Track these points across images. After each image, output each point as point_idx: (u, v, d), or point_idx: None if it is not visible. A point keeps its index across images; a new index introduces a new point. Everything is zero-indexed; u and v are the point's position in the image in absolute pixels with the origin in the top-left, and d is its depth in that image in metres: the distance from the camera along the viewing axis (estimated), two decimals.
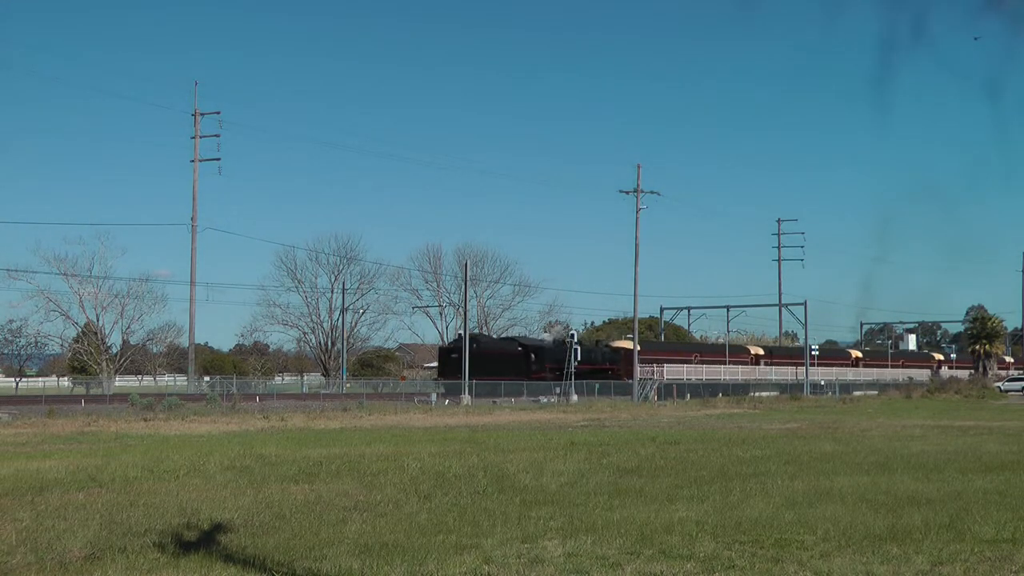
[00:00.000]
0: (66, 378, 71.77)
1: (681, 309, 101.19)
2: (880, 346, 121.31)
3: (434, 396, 51.70)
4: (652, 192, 62.78)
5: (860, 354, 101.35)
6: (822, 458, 20.19)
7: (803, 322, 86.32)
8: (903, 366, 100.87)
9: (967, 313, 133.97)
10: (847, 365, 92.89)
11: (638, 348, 64.79)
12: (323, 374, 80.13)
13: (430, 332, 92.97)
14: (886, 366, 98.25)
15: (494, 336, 75.56)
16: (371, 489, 14.70)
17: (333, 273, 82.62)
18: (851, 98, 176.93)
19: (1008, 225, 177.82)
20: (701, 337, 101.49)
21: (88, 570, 8.87)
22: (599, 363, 69.12)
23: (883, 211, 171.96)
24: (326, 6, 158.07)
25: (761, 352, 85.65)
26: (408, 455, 20.19)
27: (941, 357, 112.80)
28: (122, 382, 68.74)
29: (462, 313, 65.88)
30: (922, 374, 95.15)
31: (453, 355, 61.53)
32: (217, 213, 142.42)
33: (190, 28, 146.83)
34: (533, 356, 65.50)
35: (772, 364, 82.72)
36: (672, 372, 70.48)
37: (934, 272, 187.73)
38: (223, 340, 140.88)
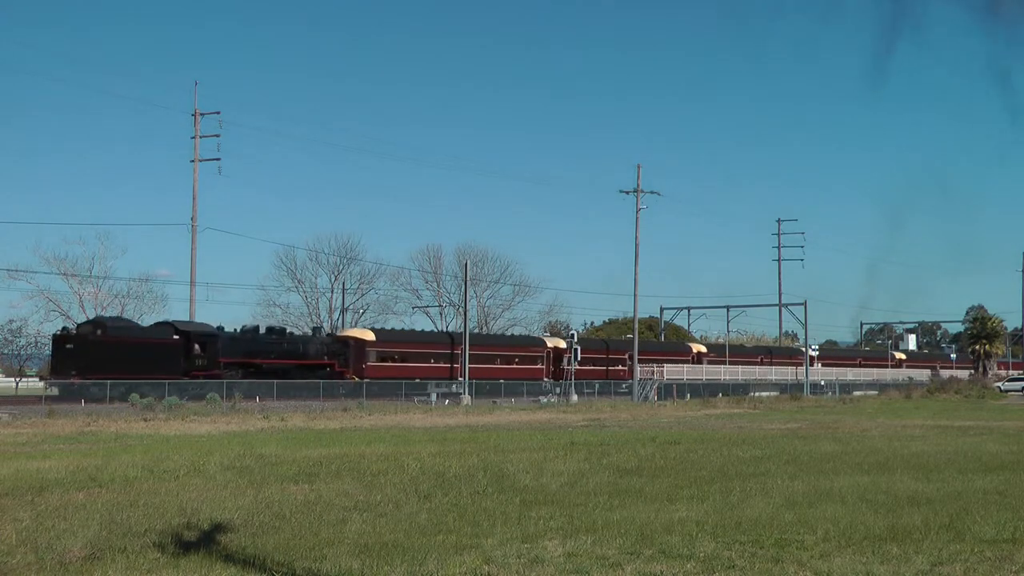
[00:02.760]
0: None
1: (681, 309, 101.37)
2: (880, 346, 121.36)
3: (434, 396, 51.69)
4: (652, 192, 62.85)
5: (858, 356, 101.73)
6: (822, 458, 20.19)
7: (803, 322, 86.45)
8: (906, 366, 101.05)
9: (967, 313, 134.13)
10: (833, 364, 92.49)
11: (639, 347, 64.73)
12: None
13: None
14: (886, 366, 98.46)
15: (138, 322, 55.65)
16: (371, 489, 14.69)
17: (333, 273, 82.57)
18: (851, 98, 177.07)
19: (1008, 225, 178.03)
20: (702, 337, 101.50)
21: (88, 570, 8.87)
22: (314, 357, 55.01)
23: (883, 211, 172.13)
24: (326, 6, 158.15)
25: (704, 349, 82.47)
26: (408, 455, 20.19)
27: (903, 356, 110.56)
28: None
29: (462, 313, 65.74)
30: (922, 374, 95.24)
31: (68, 345, 46.19)
32: (217, 213, 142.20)
33: (190, 28, 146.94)
34: (198, 347, 49.05)
35: (713, 363, 78.85)
36: (672, 372, 70.42)
37: (935, 272, 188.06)
38: None
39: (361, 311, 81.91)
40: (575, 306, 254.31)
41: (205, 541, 10.19)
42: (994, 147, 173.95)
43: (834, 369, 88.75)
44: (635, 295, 64.03)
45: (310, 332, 60.35)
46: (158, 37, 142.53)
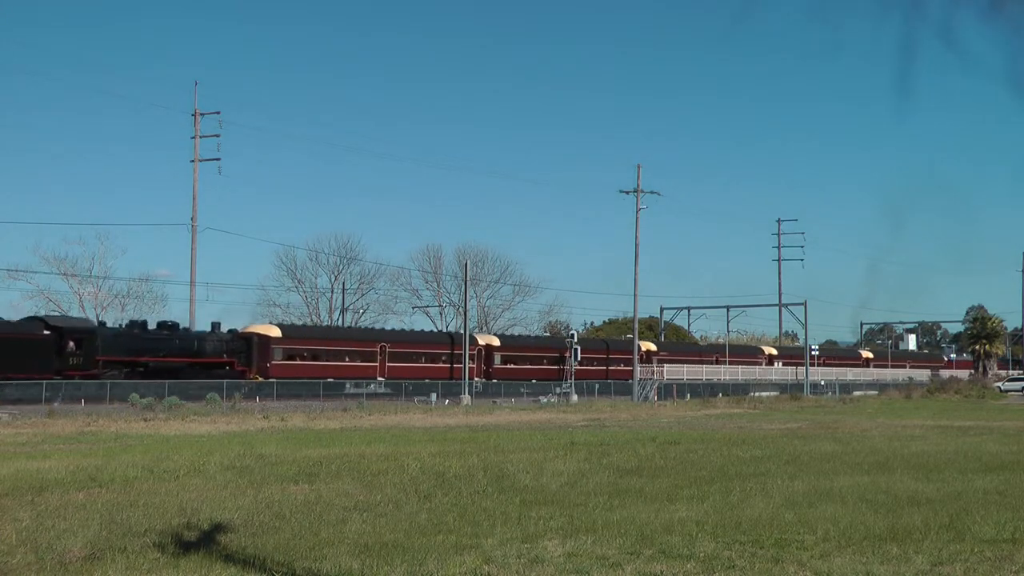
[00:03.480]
0: None
1: (681, 309, 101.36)
2: (880, 346, 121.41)
3: (434, 396, 51.71)
4: (652, 192, 62.91)
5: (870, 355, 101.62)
6: (822, 458, 20.19)
7: (803, 322, 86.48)
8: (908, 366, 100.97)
9: (967, 313, 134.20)
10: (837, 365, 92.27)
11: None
12: None
13: None
14: (886, 366, 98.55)
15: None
16: (371, 489, 14.70)
17: (333, 273, 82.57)
18: (852, 98, 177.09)
19: (1008, 225, 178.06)
20: (702, 338, 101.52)
21: (88, 570, 8.87)
22: (211, 355, 51.26)
23: (884, 211, 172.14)
24: (326, 7, 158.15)
25: (653, 348, 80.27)
26: (408, 455, 20.19)
27: (869, 355, 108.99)
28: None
29: (462, 313, 65.72)
30: (922, 374, 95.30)
31: None
32: (217, 213, 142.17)
33: (190, 28, 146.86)
34: (72, 344, 45.16)
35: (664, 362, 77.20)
36: (672, 372, 70.40)
37: (935, 272, 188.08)
38: None
39: (361, 311, 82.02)
40: (575, 306, 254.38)
41: (205, 541, 10.19)
42: (997, 149, 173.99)
43: (834, 369, 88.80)
44: (635, 295, 64.15)
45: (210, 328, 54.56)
46: (158, 37, 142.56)
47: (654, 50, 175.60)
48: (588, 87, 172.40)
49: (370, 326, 73.90)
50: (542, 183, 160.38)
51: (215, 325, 53.63)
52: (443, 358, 62.04)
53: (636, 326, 65.38)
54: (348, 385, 53.54)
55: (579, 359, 63.60)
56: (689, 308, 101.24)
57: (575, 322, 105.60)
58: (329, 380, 52.70)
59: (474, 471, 17.19)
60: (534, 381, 64.22)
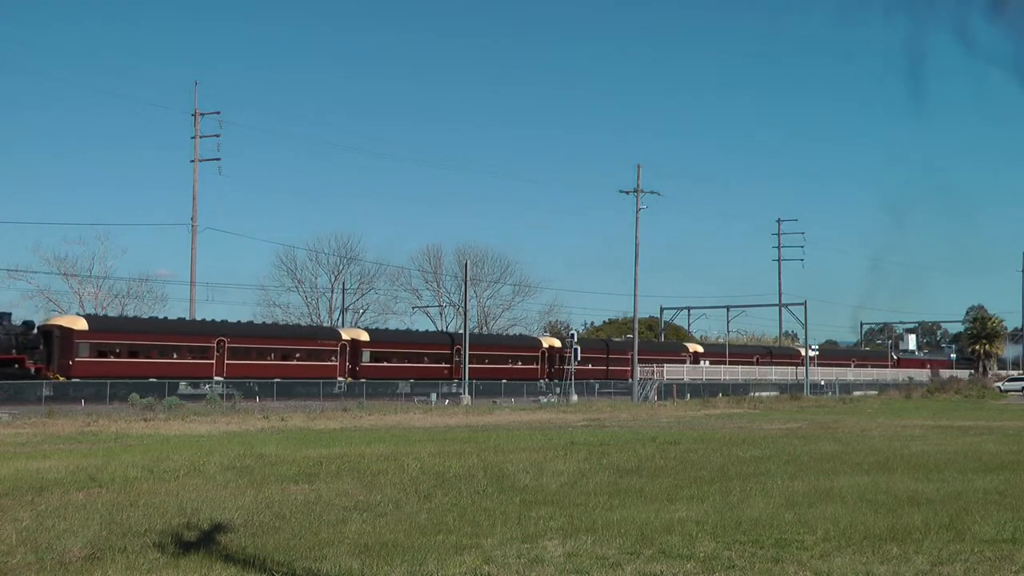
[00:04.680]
0: None
1: (681, 309, 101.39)
2: (880, 346, 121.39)
3: (434, 396, 51.71)
4: (652, 192, 62.86)
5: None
6: (822, 458, 20.19)
7: (803, 322, 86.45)
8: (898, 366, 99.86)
9: (967, 313, 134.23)
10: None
11: (630, 347, 64.66)
12: None
13: None
14: (885, 366, 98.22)
15: None
16: (371, 489, 14.70)
17: (333, 273, 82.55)
18: (852, 98, 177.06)
19: (1009, 225, 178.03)
20: (702, 337, 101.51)
21: (88, 570, 8.86)
22: None
23: (884, 210, 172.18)
24: (326, 6, 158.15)
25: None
26: (408, 455, 20.19)
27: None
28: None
29: (462, 313, 65.68)
30: (922, 374, 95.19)
31: None
32: (217, 213, 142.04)
33: (190, 28, 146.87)
34: None
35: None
36: (672, 372, 70.36)
37: (935, 272, 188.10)
38: None
39: (361, 311, 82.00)
40: (575, 306, 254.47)
41: (205, 541, 10.19)
42: (998, 149, 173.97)
43: (834, 369, 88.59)
44: (635, 295, 64.10)
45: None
46: (158, 37, 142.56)
47: (654, 50, 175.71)
48: (588, 87, 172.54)
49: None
50: (542, 183, 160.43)
51: (4, 316, 46.02)
52: (301, 355, 55.58)
53: (636, 326, 65.35)
54: (182, 385, 48.66)
55: (579, 359, 63.46)
56: (689, 308, 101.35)
57: (575, 322, 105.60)
58: (152, 380, 47.22)
59: (474, 471, 17.19)
60: (412, 381, 58.34)
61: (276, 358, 54.24)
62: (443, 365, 62.15)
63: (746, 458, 20.07)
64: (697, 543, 10.09)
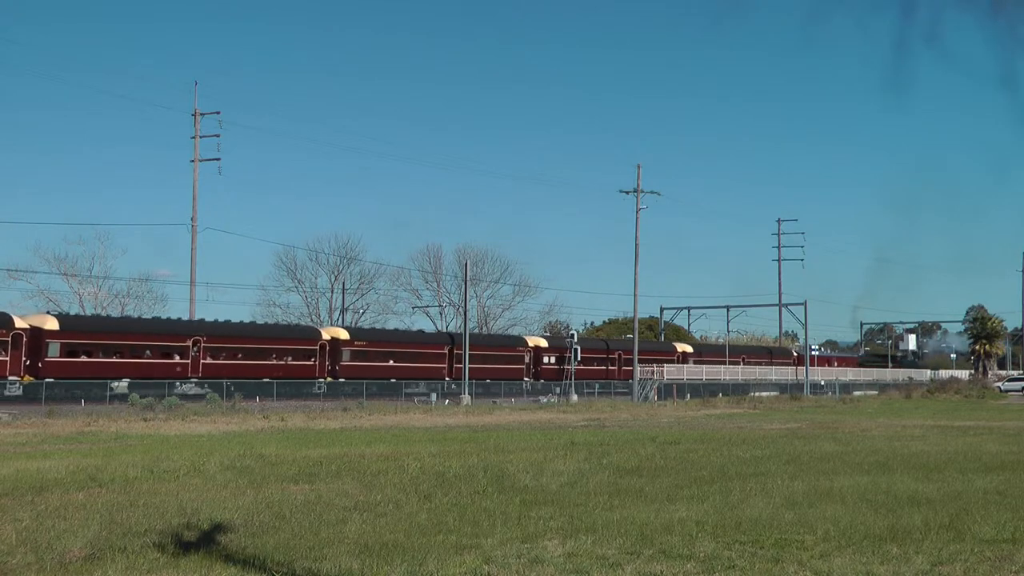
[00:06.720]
0: None
1: (681, 309, 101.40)
2: (880, 346, 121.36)
3: (434, 396, 51.71)
4: (652, 192, 62.93)
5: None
6: (822, 458, 20.19)
7: (803, 322, 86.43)
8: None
9: (967, 313, 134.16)
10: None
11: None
12: None
13: None
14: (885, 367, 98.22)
15: None
16: (371, 489, 14.69)
17: (333, 273, 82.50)
18: (852, 97, 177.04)
19: (1009, 225, 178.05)
20: (702, 337, 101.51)
21: (88, 570, 8.86)
22: None
23: (884, 211, 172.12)
24: (326, 6, 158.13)
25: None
26: (408, 455, 20.19)
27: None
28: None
29: (462, 313, 65.66)
30: (922, 374, 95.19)
31: None
32: (217, 213, 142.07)
33: (190, 28, 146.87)
34: None
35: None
36: (672, 372, 70.33)
37: (935, 271, 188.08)
38: None
39: (361, 311, 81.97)
40: (575, 306, 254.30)
41: (205, 541, 10.19)
42: (997, 150, 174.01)
43: (833, 369, 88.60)
44: (635, 295, 64.20)
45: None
46: (158, 37, 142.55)
47: (654, 50, 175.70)
48: (588, 87, 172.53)
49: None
50: (543, 183, 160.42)
51: None
52: (280, 354, 54.29)
53: (636, 326, 65.37)
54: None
55: (579, 359, 63.44)
56: (689, 308, 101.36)
57: (575, 322, 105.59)
58: (126, 380, 46.39)
59: (474, 471, 17.18)
60: (392, 381, 56.84)
61: (255, 357, 53.06)
62: (432, 364, 61.19)
63: (746, 458, 20.07)
64: (697, 543, 10.09)
